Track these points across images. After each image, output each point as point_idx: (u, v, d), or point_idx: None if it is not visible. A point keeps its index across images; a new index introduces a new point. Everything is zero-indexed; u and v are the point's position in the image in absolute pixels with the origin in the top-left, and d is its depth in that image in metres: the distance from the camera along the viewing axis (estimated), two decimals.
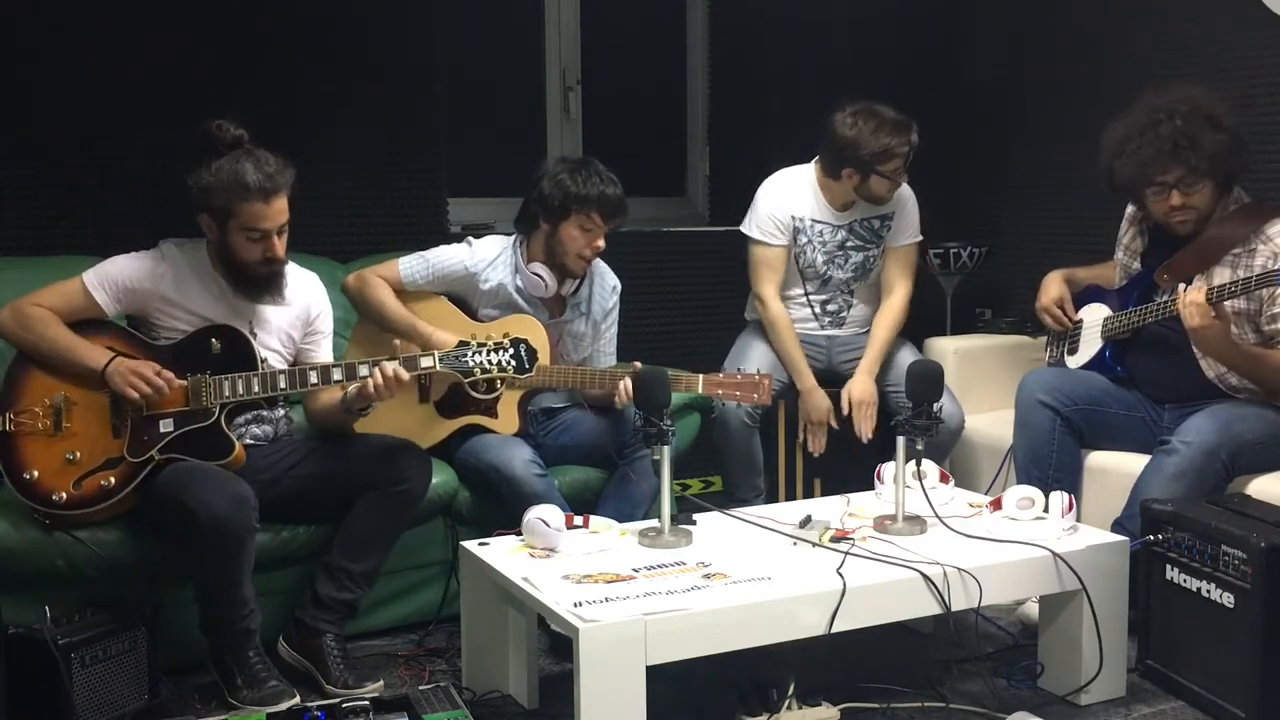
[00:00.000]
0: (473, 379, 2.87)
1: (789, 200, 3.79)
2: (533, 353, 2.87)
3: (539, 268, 3.34)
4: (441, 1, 4.10)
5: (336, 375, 2.88)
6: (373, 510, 2.94)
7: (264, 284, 2.95)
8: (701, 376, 3.25)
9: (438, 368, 2.85)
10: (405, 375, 2.83)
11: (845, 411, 3.72)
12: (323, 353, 3.13)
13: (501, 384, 3.02)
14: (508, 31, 4.52)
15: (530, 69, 4.54)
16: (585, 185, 3.27)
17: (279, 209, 2.87)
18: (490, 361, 2.84)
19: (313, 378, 2.88)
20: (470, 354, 2.85)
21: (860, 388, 3.71)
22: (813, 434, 3.74)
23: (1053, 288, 3.63)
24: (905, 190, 3.82)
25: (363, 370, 2.84)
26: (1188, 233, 3.23)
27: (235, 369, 2.86)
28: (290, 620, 2.97)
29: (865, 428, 3.69)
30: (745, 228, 3.85)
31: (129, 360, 2.82)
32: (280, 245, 2.91)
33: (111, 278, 2.91)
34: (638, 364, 3.14)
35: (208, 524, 2.66)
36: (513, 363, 2.85)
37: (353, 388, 2.89)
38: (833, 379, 3.80)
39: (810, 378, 3.75)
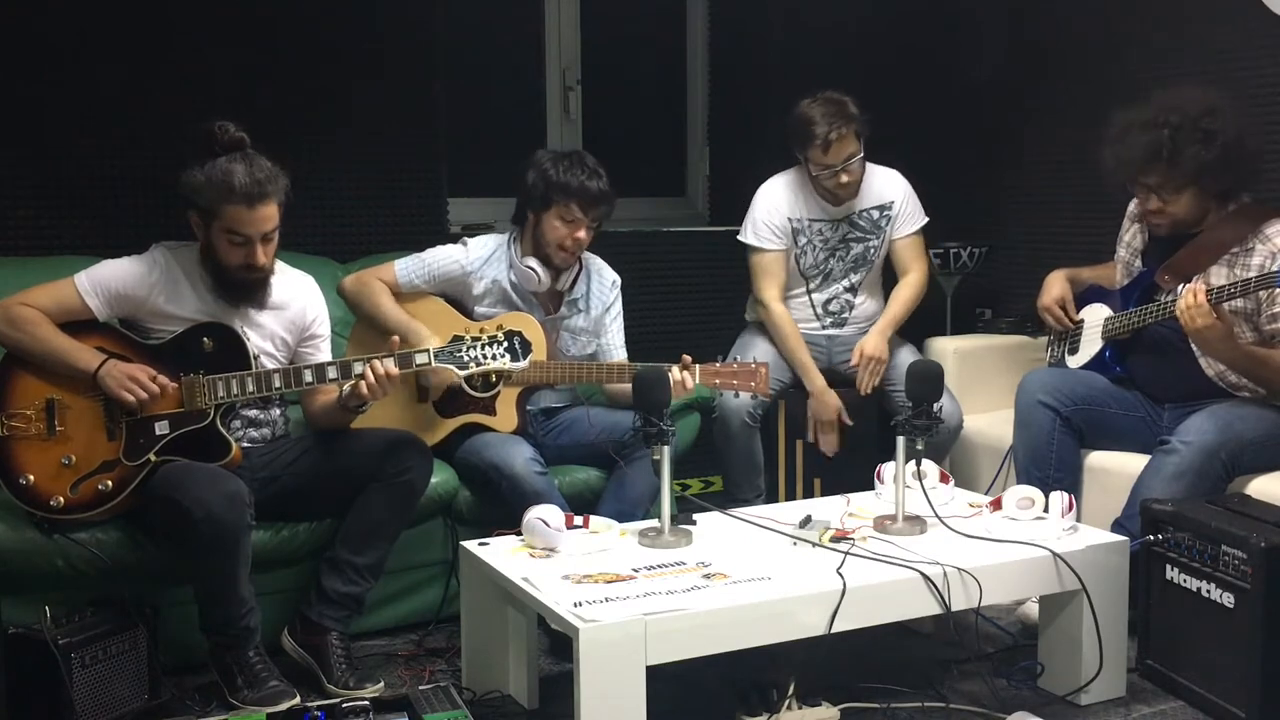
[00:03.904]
0: (469, 374, 2.87)
1: (784, 203, 3.80)
2: (526, 344, 2.86)
3: (531, 261, 3.34)
4: (441, 2, 4.10)
5: (331, 374, 2.88)
6: (375, 502, 2.94)
7: (242, 289, 2.91)
8: (698, 366, 3.24)
9: (432, 364, 2.85)
10: (395, 371, 2.82)
11: (853, 362, 3.74)
12: (322, 356, 3.09)
13: (498, 380, 3.02)
14: (508, 32, 4.51)
15: (530, 69, 4.54)
16: (567, 175, 3.28)
17: (264, 215, 2.83)
18: (484, 355, 2.84)
19: (308, 376, 2.88)
20: (464, 348, 2.84)
21: (872, 345, 3.73)
22: (824, 434, 3.74)
23: (1055, 287, 3.63)
24: (897, 180, 3.84)
25: (358, 368, 2.84)
26: (1162, 235, 3.27)
27: (228, 367, 2.84)
28: (295, 614, 2.97)
29: (868, 381, 3.72)
30: (743, 235, 3.87)
31: (123, 364, 2.80)
32: (263, 253, 2.86)
33: (104, 283, 2.88)
34: (634, 365, 3.15)
35: (203, 522, 2.66)
36: (506, 355, 2.84)
37: (347, 386, 2.88)
38: (833, 379, 3.80)
39: (820, 378, 3.76)
